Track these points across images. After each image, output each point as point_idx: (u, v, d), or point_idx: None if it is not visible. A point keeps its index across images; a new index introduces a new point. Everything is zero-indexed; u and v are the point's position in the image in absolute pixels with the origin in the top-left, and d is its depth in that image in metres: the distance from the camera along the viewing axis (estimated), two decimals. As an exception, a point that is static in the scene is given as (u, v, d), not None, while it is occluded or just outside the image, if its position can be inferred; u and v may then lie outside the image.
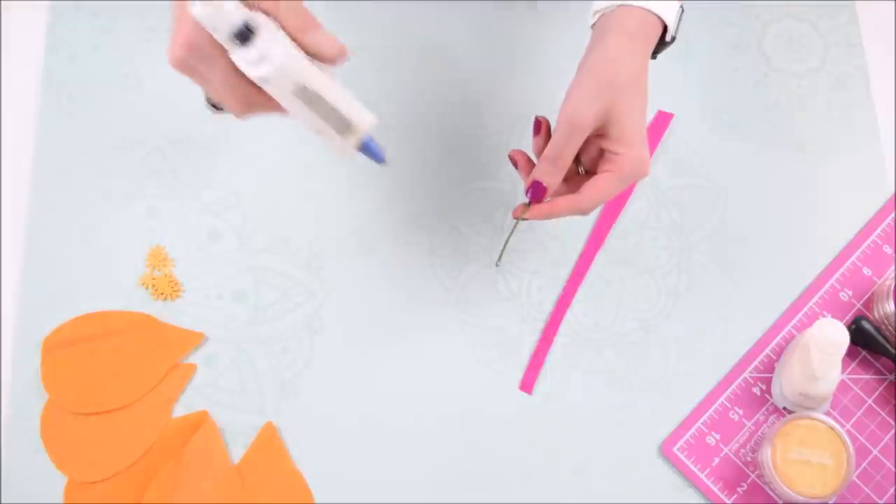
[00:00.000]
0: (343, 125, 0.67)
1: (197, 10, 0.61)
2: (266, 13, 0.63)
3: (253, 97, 0.65)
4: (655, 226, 0.88)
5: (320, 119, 0.65)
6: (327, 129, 0.66)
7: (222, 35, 0.63)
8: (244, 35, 0.63)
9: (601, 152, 0.73)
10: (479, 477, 0.81)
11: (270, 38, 0.63)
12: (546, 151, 0.72)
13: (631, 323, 0.86)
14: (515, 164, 0.76)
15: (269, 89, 0.64)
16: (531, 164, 0.75)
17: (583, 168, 0.75)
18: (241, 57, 0.63)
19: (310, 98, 0.65)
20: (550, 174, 0.72)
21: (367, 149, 0.69)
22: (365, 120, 0.67)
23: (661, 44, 0.74)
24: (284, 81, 0.63)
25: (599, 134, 0.72)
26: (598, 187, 0.72)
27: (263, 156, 0.90)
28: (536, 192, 0.73)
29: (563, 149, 0.71)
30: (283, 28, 0.63)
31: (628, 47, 0.71)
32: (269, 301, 0.86)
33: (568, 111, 0.70)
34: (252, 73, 0.63)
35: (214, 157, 0.90)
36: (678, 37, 0.76)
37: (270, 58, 0.62)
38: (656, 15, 0.72)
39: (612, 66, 0.70)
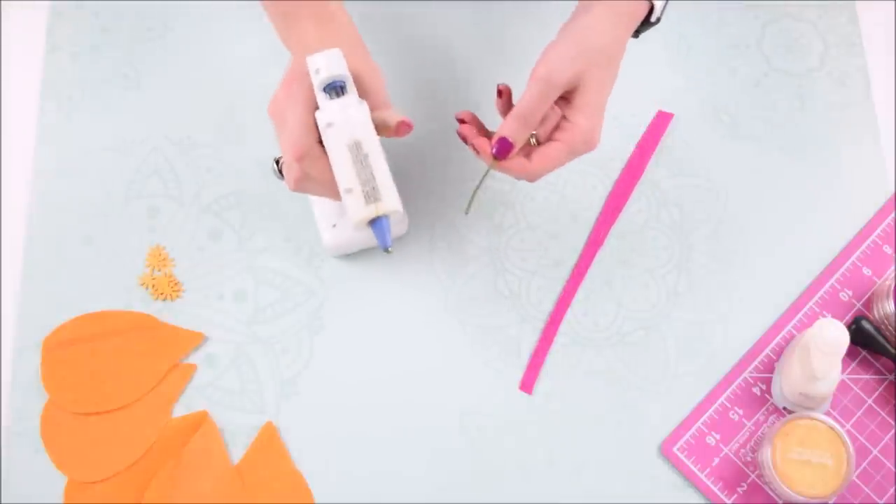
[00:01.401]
0: (372, 194, 0.72)
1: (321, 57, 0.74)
2: (359, 78, 0.74)
3: (309, 148, 0.72)
4: (655, 226, 0.88)
5: (356, 178, 0.71)
6: (357, 190, 0.72)
7: (319, 79, 0.73)
8: (337, 88, 0.74)
9: (556, 123, 0.74)
10: (479, 477, 0.81)
11: (352, 95, 0.73)
12: (516, 109, 0.72)
13: (631, 323, 0.86)
14: (462, 121, 0.76)
15: (330, 134, 0.72)
16: (478, 122, 0.76)
17: (534, 139, 0.76)
18: (325, 105, 0.73)
19: (357, 156, 0.72)
20: (518, 131, 0.73)
21: (380, 227, 0.73)
22: (393, 200, 0.73)
23: (647, 24, 0.76)
24: (344, 132, 0.72)
25: (564, 98, 0.73)
26: (548, 157, 0.74)
27: (263, 156, 0.90)
28: (503, 149, 0.73)
29: (534, 107, 0.71)
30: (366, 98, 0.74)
31: (612, 20, 0.72)
32: (269, 301, 0.86)
33: (544, 70, 0.71)
34: (323, 118, 0.72)
35: (214, 156, 0.90)
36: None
37: (344, 108, 0.73)
38: None
39: (592, 34, 0.72)
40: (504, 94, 0.75)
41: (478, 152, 0.74)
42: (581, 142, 0.73)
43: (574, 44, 0.72)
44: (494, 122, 0.91)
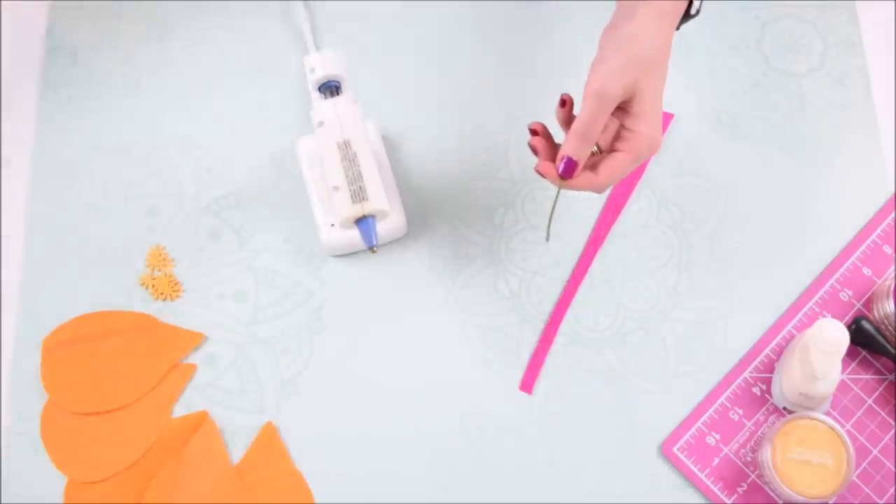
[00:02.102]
0: (359, 193, 0.75)
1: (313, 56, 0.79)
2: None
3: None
4: (655, 226, 0.88)
5: (344, 176, 0.71)
6: (344, 188, 0.71)
7: (314, 78, 0.77)
8: (332, 87, 0.77)
9: (616, 132, 0.74)
10: (479, 477, 0.81)
11: (346, 95, 0.76)
12: (575, 126, 0.71)
13: (631, 323, 0.86)
14: (535, 133, 0.74)
15: (321, 131, 0.74)
16: (548, 133, 0.75)
17: (597, 147, 0.75)
18: (318, 104, 0.76)
19: (346, 154, 0.74)
20: (580, 149, 0.72)
21: (366, 226, 0.73)
22: (379, 200, 0.72)
23: (687, 16, 0.75)
24: (335, 130, 0.73)
25: (621, 108, 0.72)
26: (613, 168, 0.73)
27: (263, 156, 0.90)
28: (568, 168, 0.72)
29: (593, 122, 0.71)
30: None
31: (655, 22, 0.72)
32: (269, 301, 0.86)
33: (596, 84, 0.70)
34: (316, 116, 0.74)
35: (214, 157, 0.90)
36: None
37: (336, 107, 0.75)
38: None
39: (641, 42, 0.71)
40: (567, 105, 0.74)
41: (544, 175, 0.73)
42: (645, 149, 0.73)
43: (623, 54, 0.70)
44: (499, 122, 0.92)
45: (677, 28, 0.75)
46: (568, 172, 0.72)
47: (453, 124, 0.91)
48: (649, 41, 0.71)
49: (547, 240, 0.80)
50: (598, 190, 0.74)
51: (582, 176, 0.73)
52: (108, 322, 0.85)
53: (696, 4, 0.74)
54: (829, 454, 0.77)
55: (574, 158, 0.72)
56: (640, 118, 0.72)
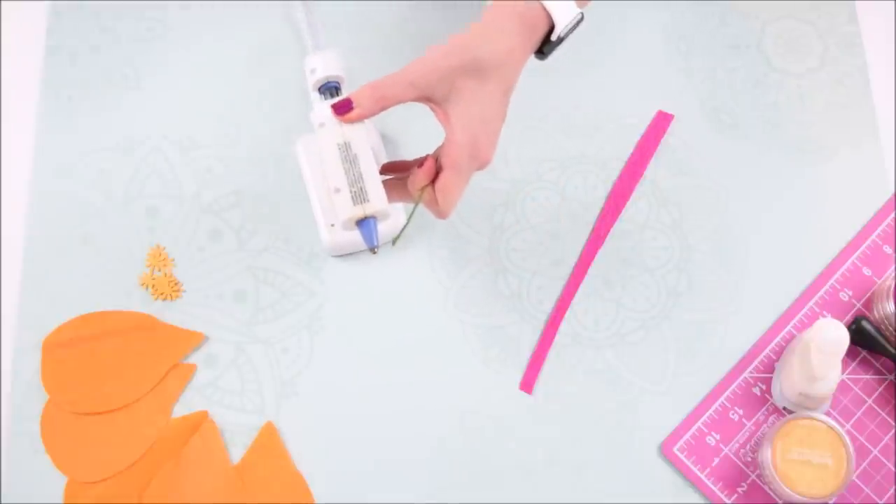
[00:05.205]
0: (360, 195, 0.73)
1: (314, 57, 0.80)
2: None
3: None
4: (655, 226, 0.88)
5: (345, 177, 0.71)
6: (345, 189, 0.73)
7: (314, 79, 0.78)
8: (332, 88, 0.79)
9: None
10: (479, 477, 0.81)
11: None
12: (375, 81, 0.69)
13: (631, 323, 0.86)
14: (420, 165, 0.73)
15: (321, 133, 0.73)
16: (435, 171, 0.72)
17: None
18: (319, 105, 0.76)
19: (347, 156, 0.73)
20: (366, 98, 0.70)
21: (367, 227, 0.73)
22: (380, 201, 0.72)
23: (550, 42, 0.72)
24: (335, 132, 0.72)
25: (437, 102, 0.70)
26: (444, 188, 0.71)
27: (263, 156, 0.90)
28: (342, 104, 0.71)
29: (392, 86, 0.69)
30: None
31: (503, 25, 0.69)
32: (269, 301, 0.86)
33: (415, 73, 0.68)
34: (316, 118, 0.73)
35: (214, 156, 0.90)
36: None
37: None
38: (545, 10, 0.70)
39: (475, 40, 0.69)
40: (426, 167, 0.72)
41: (412, 185, 0.72)
42: (465, 160, 0.69)
43: (447, 45, 0.68)
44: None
45: (544, 54, 0.73)
46: (340, 109, 0.70)
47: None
48: (486, 42, 0.68)
49: (393, 244, 0.79)
50: (441, 216, 0.72)
51: (432, 200, 0.71)
52: (108, 322, 0.85)
53: (558, 30, 0.71)
54: (829, 454, 0.77)
55: (353, 103, 0.70)
56: (452, 123, 0.69)
